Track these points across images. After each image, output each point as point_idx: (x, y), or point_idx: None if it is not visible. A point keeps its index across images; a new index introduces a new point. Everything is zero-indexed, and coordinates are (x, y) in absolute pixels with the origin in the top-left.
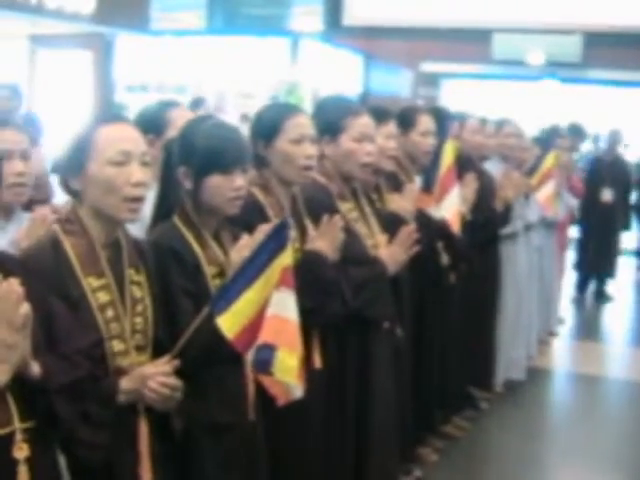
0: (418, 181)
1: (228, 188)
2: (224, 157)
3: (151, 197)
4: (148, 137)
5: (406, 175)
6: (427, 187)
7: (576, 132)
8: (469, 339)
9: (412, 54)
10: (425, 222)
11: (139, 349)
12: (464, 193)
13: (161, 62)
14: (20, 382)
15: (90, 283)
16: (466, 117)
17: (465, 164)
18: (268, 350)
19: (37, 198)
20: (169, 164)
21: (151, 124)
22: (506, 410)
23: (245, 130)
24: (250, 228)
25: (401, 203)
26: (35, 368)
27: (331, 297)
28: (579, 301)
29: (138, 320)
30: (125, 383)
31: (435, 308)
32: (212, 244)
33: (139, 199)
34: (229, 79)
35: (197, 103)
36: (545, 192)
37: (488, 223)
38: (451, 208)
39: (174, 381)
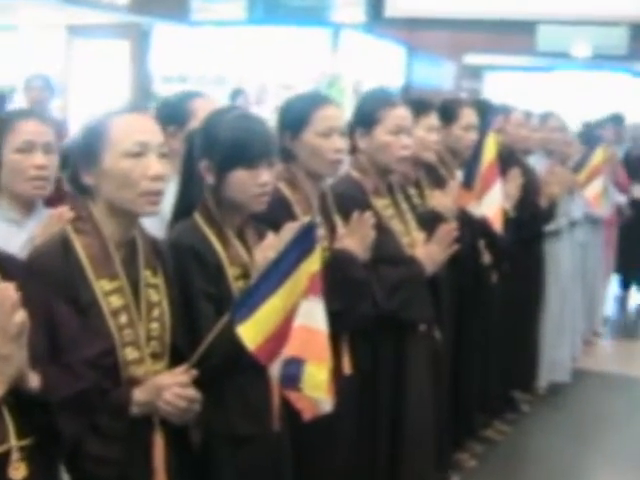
0: (459, 176)
1: (253, 183)
2: (249, 150)
3: (170, 191)
4: (169, 129)
5: (447, 170)
6: (467, 183)
7: (618, 122)
8: (511, 340)
9: (455, 46)
10: (466, 220)
11: (155, 357)
12: (508, 189)
13: (200, 53)
14: (17, 396)
15: (102, 286)
16: (510, 110)
17: (508, 159)
18: (296, 364)
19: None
20: (191, 157)
21: (173, 115)
22: (548, 413)
23: None
24: (276, 226)
25: (442, 200)
26: (34, 380)
27: (361, 299)
28: (624, 299)
29: (154, 326)
30: (139, 394)
31: (476, 309)
32: (235, 243)
33: (158, 193)
34: (269, 71)
35: (236, 94)
36: (593, 189)
37: (533, 220)
38: (492, 205)
39: (191, 393)
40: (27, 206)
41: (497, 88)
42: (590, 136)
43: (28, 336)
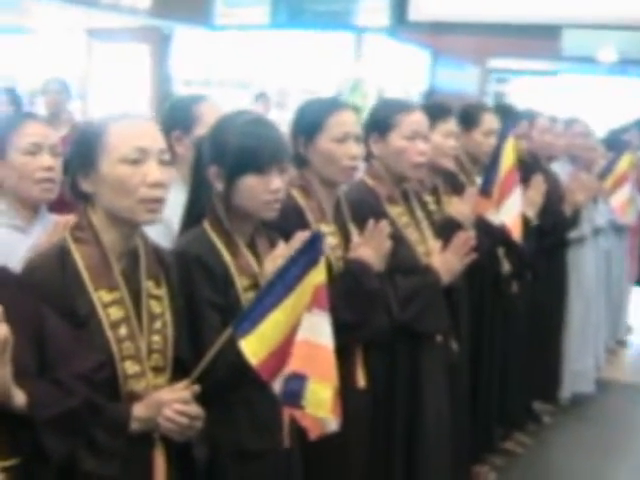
0: (479, 183)
1: (264, 190)
2: (259, 156)
3: (174, 199)
4: (174, 133)
5: (467, 176)
6: (485, 190)
7: None
8: (533, 350)
9: (479, 50)
10: (484, 228)
11: (156, 371)
12: (531, 195)
13: (223, 57)
14: (1, 414)
15: (101, 297)
16: (535, 115)
17: (532, 165)
18: (298, 380)
19: None
20: (200, 164)
21: (178, 119)
22: (571, 424)
23: None
24: (288, 234)
25: (459, 207)
26: (19, 397)
27: (376, 310)
28: None
29: (156, 338)
30: (138, 410)
31: (495, 319)
32: (245, 252)
33: (157, 200)
34: (292, 75)
35: (259, 98)
36: (620, 197)
37: (556, 228)
38: (512, 213)
39: (193, 409)
40: (32, 210)
41: (522, 92)
42: (615, 142)
43: (14, 351)
